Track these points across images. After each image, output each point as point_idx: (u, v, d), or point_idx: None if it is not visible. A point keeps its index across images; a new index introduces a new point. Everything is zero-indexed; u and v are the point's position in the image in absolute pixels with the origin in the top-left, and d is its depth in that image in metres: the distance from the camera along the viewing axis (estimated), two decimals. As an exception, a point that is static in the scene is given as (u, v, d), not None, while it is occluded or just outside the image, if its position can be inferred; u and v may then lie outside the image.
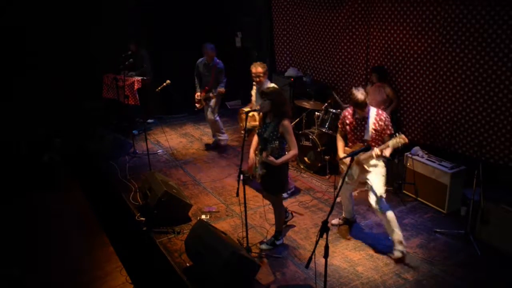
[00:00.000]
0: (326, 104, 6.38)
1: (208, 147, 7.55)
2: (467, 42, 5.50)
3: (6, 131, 7.34)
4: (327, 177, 6.28)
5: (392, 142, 4.10)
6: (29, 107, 7.72)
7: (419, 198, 5.59)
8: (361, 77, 7.10)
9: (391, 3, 6.28)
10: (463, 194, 5.28)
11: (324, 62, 7.80)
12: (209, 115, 7.15)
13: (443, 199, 5.24)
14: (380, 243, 4.71)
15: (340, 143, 4.70)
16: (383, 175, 4.46)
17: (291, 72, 8.06)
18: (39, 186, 6.46)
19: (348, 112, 4.58)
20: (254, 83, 5.81)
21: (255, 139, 4.65)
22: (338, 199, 4.29)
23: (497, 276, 4.22)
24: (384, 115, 4.36)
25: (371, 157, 4.30)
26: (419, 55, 6.09)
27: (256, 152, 4.58)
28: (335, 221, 5.06)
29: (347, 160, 4.27)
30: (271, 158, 4.21)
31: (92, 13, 8.16)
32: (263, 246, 4.67)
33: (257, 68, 5.55)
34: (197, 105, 7.17)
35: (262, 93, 4.45)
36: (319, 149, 6.16)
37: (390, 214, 4.39)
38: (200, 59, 7.04)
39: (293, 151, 4.33)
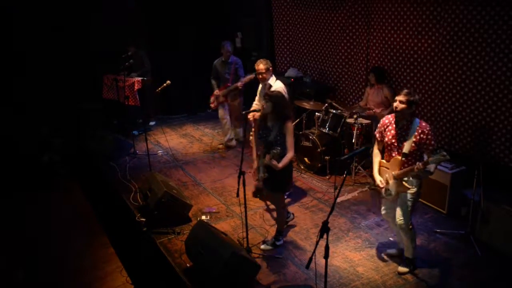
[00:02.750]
0: (326, 104, 6.38)
1: (229, 148, 7.46)
2: (467, 42, 5.50)
3: (6, 131, 7.34)
4: (327, 177, 6.28)
5: (432, 159, 3.66)
6: (29, 108, 7.72)
7: (418, 201, 5.57)
8: (361, 78, 7.10)
9: (391, 4, 6.28)
10: (463, 194, 5.27)
11: (324, 62, 7.80)
12: (237, 117, 7.10)
13: (444, 200, 5.24)
14: (381, 244, 4.70)
15: (376, 159, 4.18)
16: (416, 193, 4.03)
17: (291, 72, 8.07)
18: (39, 186, 6.46)
19: (388, 120, 4.08)
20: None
21: (253, 144, 4.62)
22: (338, 200, 4.25)
23: (498, 277, 4.21)
24: (428, 128, 3.86)
25: (411, 172, 3.86)
26: (419, 55, 6.09)
27: (259, 153, 4.51)
28: (391, 251, 4.54)
29: (383, 184, 4.04)
30: (274, 162, 4.20)
31: (92, 13, 8.16)
32: (264, 247, 4.67)
33: (259, 65, 5.56)
34: (211, 105, 7.12)
35: (265, 95, 4.43)
36: (319, 150, 6.16)
37: (415, 236, 4.17)
38: (217, 59, 7.01)
39: (290, 153, 4.32)
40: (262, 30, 8.80)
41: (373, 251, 4.59)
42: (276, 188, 4.51)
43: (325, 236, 3.16)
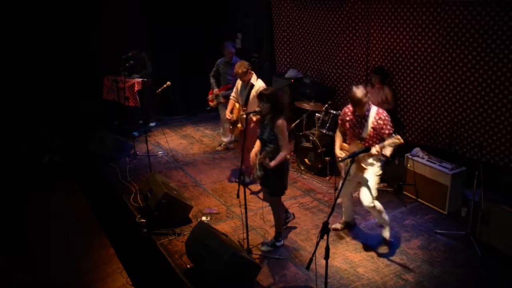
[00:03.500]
0: (326, 105, 6.38)
1: (228, 149, 7.47)
2: (467, 43, 5.50)
3: (6, 132, 7.34)
4: (327, 178, 6.28)
5: (388, 142, 4.13)
6: (30, 108, 7.72)
7: (419, 199, 5.59)
8: (361, 78, 7.10)
9: (391, 4, 6.28)
10: (463, 195, 5.28)
11: (324, 63, 7.80)
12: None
13: (444, 200, 5.24)
14: (381, 244, 4.70)
15: (338, 140, 4.69)
16: (378, 175, 4.46)
17: (291, 73, 8.07)
18: (39, 187, 6.46)
19: (348, 109, 4.56)
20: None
21: (257, 143, 4.62)
22: (339, 200, 4.28)
23: (498, 277, 4.21)
24: (384, 114, 4.33)
25: (369, 155, 4.29)
26: (419, 56, 6.10)
27: (258, 154, 4.57)
28: (335, 225, 5.01)
29: (342, 155, 4.41)
30: (267, 161, 4.25)
31: (92, 13, 8.17)
32: (263, 248, 4.67)
33: (237, 70, 5.68)
34: (210, 103, 7.10)
35: (260, 95, 4.37)
36: (319, 151, 6.16)
37: (379, 205, 4.52)
38: (220, 59, 6.98)
39: (284, 152, 4.29)
40: (262, 31, 8.81)
41: (373, 252, 4.59)
42: (272, 192, 4.54)
43: (325, 237, 3.16)
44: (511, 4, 4.99)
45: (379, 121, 4.30)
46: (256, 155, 4.58)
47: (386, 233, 4.67)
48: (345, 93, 7.52)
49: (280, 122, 4.26)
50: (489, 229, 4.61)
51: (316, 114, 6.51)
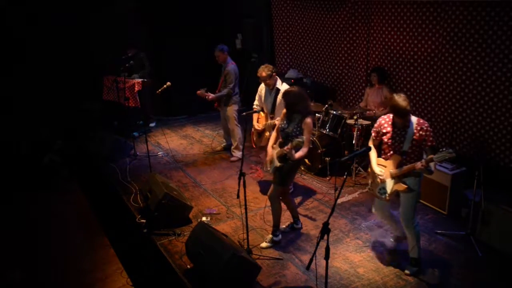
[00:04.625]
0: (326, 105, 6.38)
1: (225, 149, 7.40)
2: (467, 43, 5.50)
3: (7, 132, 7.34)
4: (327, 178, 6.28)
5: (438, 156, 3.65)
6: (30, 109, 7.73)
7: (419, 200, 5.57)
8: (361, 79, 7.11)
9: (391, 5, 6.29)
10: (464, 195, 5.28)
11: (324, 63, 7.80)
12: (229, 124, 6.89)
13: (444, 200, 5.24)
14: (381, 245, 4.70)
15: (373, 155, 4.17)
16: (417, 191, 4.03)
17: (291, 73, 8.07)
18: (39, 187, 6.45)
19: (385, 120, 4.07)
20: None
21: (273, 135, 4.76)
22: (339, 201, 4.27)
23: (498, 277, 4.21)
24: (426, 125, 3.87)
25: (413, 168, 3.85)
26: (419, 56, 6.10)
27: (274, 145, 4.68)
28: (390, 245, 4.64)
29: (383, 175, 4.03)
30: (293, 152, 4.30)
31: (92, 13, 8.17)
32: (263, 245, 4.70)
33: (261, 73, 5.57)
34: (216, 106, 6.96)
35: (283, 95, 4.61)
36: (319, 151, 6.16)
37: (419, 234, 4.18)
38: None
39: (305, 149, 4.42)
40: (262, 31, 8.81)
41: (374, 252, 4.59)
42: (280, 181, 4.59)
43: (325, 237, 3.16)
44: (511, 4, 4.99)
45: (421, 132, 3.84)
46: (272, 147, 4.68)
47: (409, 271, 4.23)
48: (345, 93, 7.52)
49: (309, 120, 4.42)
50: (489, 229, 4.61)
51: (316, 114, 6.50)
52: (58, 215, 5.78)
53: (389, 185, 4.04)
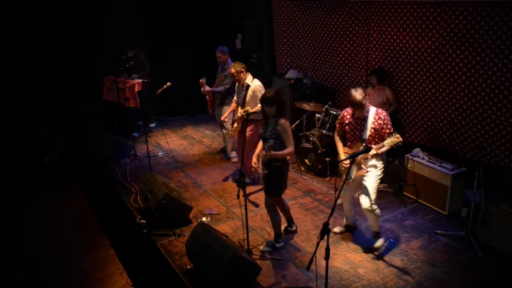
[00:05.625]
0: (326, 106, 6.38)
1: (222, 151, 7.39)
2: (467, 43, 5.50)
3: (7, 133, 7.34)
4: (327, 179, 6.28)
5: (387, 141, 4.09)
6: (30, 109, 7.73)
7: (420, 200, 5.59)
8: (361, 79, 7.10)
9: (391, 5, 6.28)
10: (464, 195, 5.28)
11: (324, 64, 7.80)
12: (225, 124, 6.75)
13: (444, 201, 5.24)
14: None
15: (339, 144, 4.65)
16: (379, 177, 4.41)
17: (291, 74, 8.07)
18: (39, 187, 6.46)
19: (347, 112, 4.53)
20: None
21: (260, 144, 4.65)
22: (339, 201, 4.29)
23: (498, 277, 4.21)
24: (384, 114, 4.32)
25: (367, 156, 4.25)
26: (419, 56, 6.10)
27: (261, 154, 4.57)
28: (336, 229, 4.97)
29: (347, 162, 4.26)
30: (270, 152, 4.28)
31: (92, 13, 8.17)
32: (264, 249, 4.67)
33: (231, 69, 5.78)
34: (209, 108, 6.96)
35: (266, 100, 4.40)
36: (319, 151, 6.16)
37: (378, 211, 4.49)
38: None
39: (289, 149, 4.37)
40: (262, 32, 8.81)
41: (374, 253, 4.58)
42: (269, 191, 4.54)
43: (325, 237, 3.16)
44: (511, 4, 4.99)
45: (379, 121, 4.29)
46: (258, 156, 4.61)
47: (378, 244, 4.59)
48: (345, 94, 7.52)
49: (283, 121, 4.35)
50: (489, 230, 4.61)
51: (316, 114, 6.50)
52: (58, 215, 5.79)
53: (353, 170, 4.40)
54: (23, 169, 6.87)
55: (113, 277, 4.52)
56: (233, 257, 3.87)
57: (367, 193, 4.39)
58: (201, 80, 6.64)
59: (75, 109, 8.20)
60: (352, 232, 4.97)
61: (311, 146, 6.33)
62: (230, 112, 6.27)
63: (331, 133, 6.23)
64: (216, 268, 3.91)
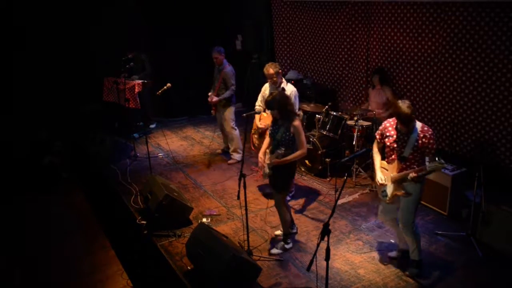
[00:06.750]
0: (326, 106, 6.38)
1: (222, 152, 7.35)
2: (467, 44, 5.51)
3: (7, 133, 7.34)
4: (328, 179, 6.28)
5: (430, 166, 3.69)
6: (30, 110, 7.73)
7: (419, 204, 5.56)
8: (361, 80, 7.11)
9: (391, 6, 6.29)
10: (464, 196, 5.28)
11: (324, 64, 7.81)
12: (225, 126, 6.83)
13: (445, 201, 5.24)
14: (382, 245, 4.70)
15: (377, 157, 4.16)
16: (419, 197, 4.04)
17: (291, 74, 8.07)
18: (39, 188, 6.45)
19: (390, 123, 4.04)
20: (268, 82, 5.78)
21: (266, 141, 4.69)
22: (339, 202, 4.27)
23: (499, 278, 4.21)
24: (430, 132, 3.83)
25: (406, 178, 3.86)
26: (419, 57, 6.10)
27: (267, 151, 4.62)
28: (392, 254, 4.51)
29: (382, 180, 4.01)
30: (278, 160, 4.30)
31: (92, 14, 8.18)
32: (274, 251, 4.63)
33: (269, 70, 5.55)
34: (213, 111, 6.89)
35: (266, 104, 4.44)
36: (320, 152, 6.16)
37: (418, 237, 4.16)
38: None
39: (301, 151, 4.37)
40: (262, 32, 8.82)
41: (374, 253, 4.58)
42: (278, 188, 4.53)
43: (326, 238, 3.16)
44: (511, 5, 4.99)
45: (423, 139, 3.80)
46: (264, 154, 4.62)
47: (415, 256, 4.19)
48: (345, 94, 7.52)
49: (297, 122, 4.36)
50: (489, 230, 4.61)
51: (317, 115, 6.50)
52: (58, 216, 5.78)
53: (390, 189, 4.03)
54: (23, 170, 6.86)
55: (113, 278, 4.52)
56: (234, 258, 3.87)
57: (403, 213, 4.03)
58: (209, 94, 6.66)
59: (75, 110, 8.20)
60: (406, 258, 4.38)
61: (311, 147, 6.32)
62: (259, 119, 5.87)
63: (331, 134, 6.24)
64: (216, 269, 3.91)
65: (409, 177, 3.80)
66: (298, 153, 4.36)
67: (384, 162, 4.12)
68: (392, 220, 4.29)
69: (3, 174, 6.70)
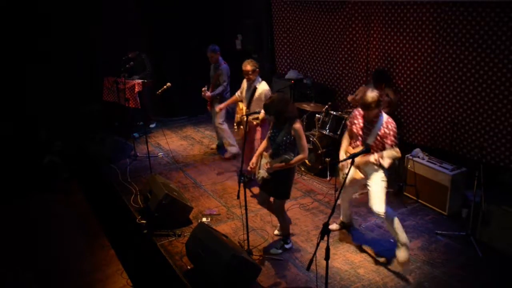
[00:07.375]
0: (326, 106, 6.38)
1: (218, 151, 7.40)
2: (467, 44, 5.51)
3: (6, 133, 7.34)
4: (328, 179, 6.28)
5: (386, 152, 3.98)
6: (30, 110, 7.73)
7: (420, 200, 5.58)
8: (361, 79, 7.11)
9: (390, 5, 6.29)
10: (464, 195, 5.28)
11: (324, 64, 7.80)
12: (215, 120, 6.96)
13: (444, 201, 5.24)
14: (382, 245, 4.70)
15: (345, 142, 4.54)
16: (383, 180, 4.30)
17: (291, 74, 8.07)
18: (39, 188, 6.46)
19: (359, 112, 4.40)
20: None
21: (263, 144, 4.60)
22: (339, 201, 4.28)
23: (499, 278, 4.21)
24: (393, 125, 4.17)
25: (366, 162, 4.16)
26: (419, 57, 6.10)
27: (265, 153, 4.46)
28: (333, 226, 4.97)
29: (346, 162, 4.22)
30: (279, 165, 4.22)
31: (92, 14, 8.18)
32: (273, 251, 4.62)
33: (246, 66, 5.70)
34: (208, 107, 7.03)
35: (264, 108, 4.35)
36: (319, 152, 6.16)
37: (396, 220, 4.28)
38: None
39: (302, 155, 4.26)
40: (262, 32, 8.81)
41: (374, 253, 4.58)
42: (279, 195, 4.45)
43: (325, 238, 3.16)
44: (511, 4, 4.99)
45: (385, 130, 4.16)
46: (259, 157, 4.51)
47: (401, 254, 4.33)
48: (345, 94, 7.52)
49: (298, 125, 4.25)
50: (489, 230, 4.62)
51: (316, 115, 6.51)
52: (58, 216, 5.78)
53: (351, 171, 4.20)
54: (23, 169, 6.87)
55: (113, 278, 4.52)
56: (233, 258, 3.87)
57: (375, 198, 4.27)
58: (203, 89, 6.72)
59: (75, 109, 8.20)
60: (348, 230, 4.98)
61: (311, 147, 6.32)
62: (228, 104, 6.30)
63: (331, 133, 6.24)
64: (216, 268, 3.91)
65: (370, 161, 4.06)
66: (299, 157, 4.26)
67: (350, 148, 4.47)
68: (346, 197, 4.78)
69: (3, 174, 6.71)
